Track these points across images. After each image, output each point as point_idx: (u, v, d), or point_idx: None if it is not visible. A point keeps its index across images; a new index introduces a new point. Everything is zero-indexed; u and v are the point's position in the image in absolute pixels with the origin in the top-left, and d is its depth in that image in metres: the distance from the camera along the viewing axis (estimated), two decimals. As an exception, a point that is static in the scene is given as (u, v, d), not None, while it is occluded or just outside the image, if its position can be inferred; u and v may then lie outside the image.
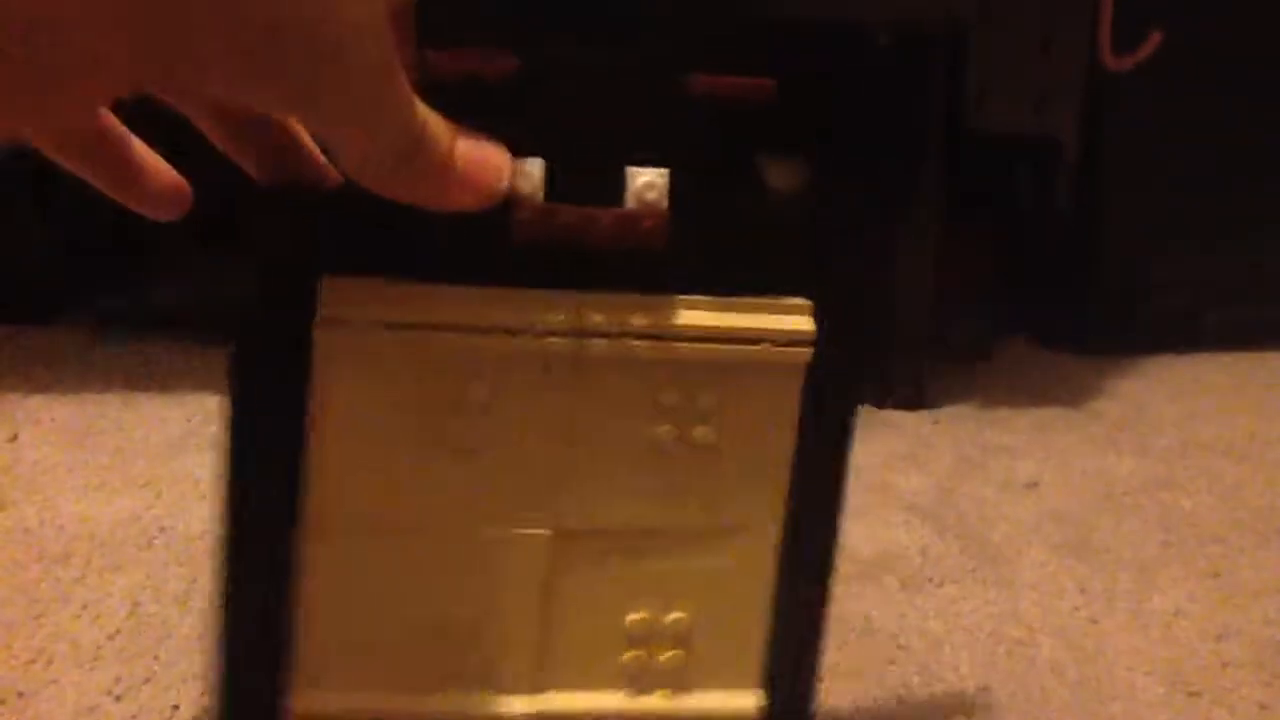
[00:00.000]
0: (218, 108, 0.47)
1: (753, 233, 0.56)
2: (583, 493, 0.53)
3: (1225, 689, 0.91)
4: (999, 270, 1.94)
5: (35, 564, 1.02)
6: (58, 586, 0.98)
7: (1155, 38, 1.60)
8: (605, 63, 0.50)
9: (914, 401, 1.53)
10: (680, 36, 0.55)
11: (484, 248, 0.48)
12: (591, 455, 0.52)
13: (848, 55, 1.92)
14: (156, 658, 0.89)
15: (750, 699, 0.58)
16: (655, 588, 0.55)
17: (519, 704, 0.54)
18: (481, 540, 0.52)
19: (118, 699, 0.83)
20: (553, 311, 0.50)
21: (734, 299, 0.53)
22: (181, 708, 0.83)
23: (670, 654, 0.56)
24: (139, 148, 0.49)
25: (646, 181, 0.49)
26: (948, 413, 1.52)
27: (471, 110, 0.44)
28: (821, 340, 0.54)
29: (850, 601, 1.03)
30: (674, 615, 0.56)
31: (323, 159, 0.49)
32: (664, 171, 0.50)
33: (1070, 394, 1.61)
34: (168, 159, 0.50)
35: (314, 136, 0.49)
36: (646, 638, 0.56)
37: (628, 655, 0.56)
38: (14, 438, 1.29)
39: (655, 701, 0.57)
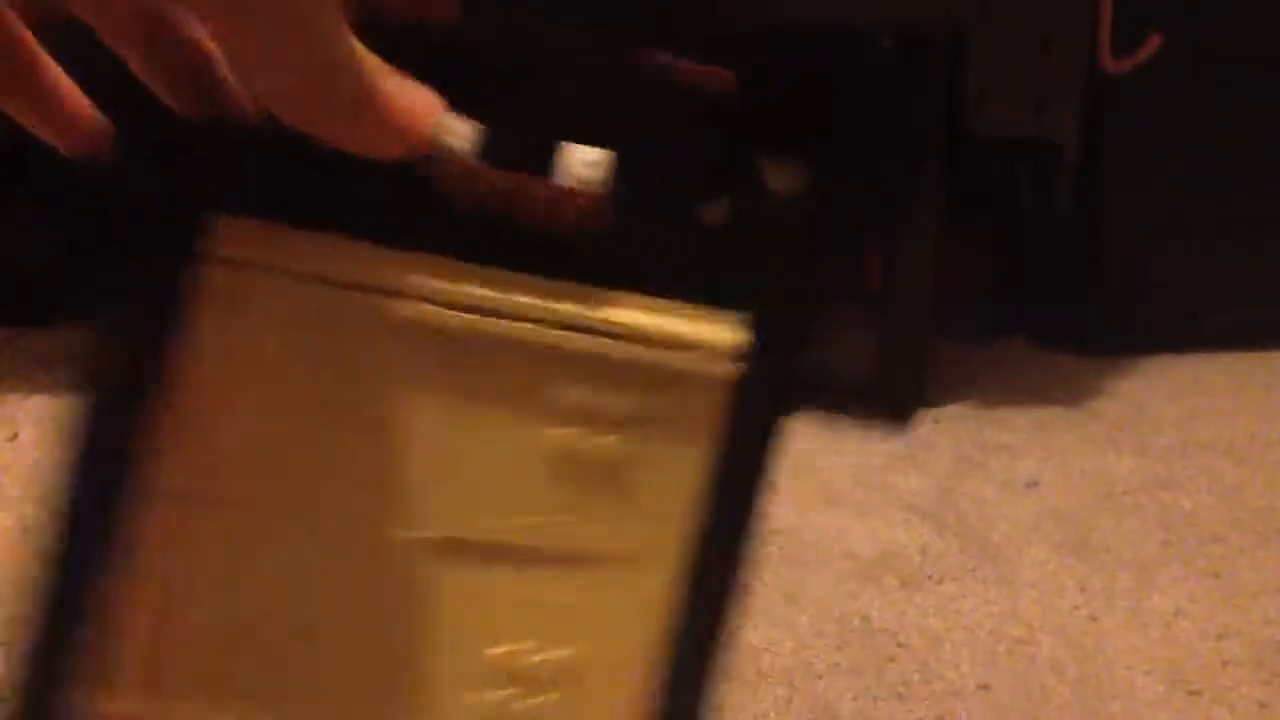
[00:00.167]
0: (134, 21, 0.45)
1: (695, 234, 0.50)
2: (471, 495, 0.47)
3: (1225, 688, 0.91)
4: (999, 270, 1.94)
5: (36, 563, 1.02)
6: None
7: (1154, 40, 1.60)
8: (555, 29, 0.48)
9: (913, 402, 1.53)
10: (652, 22, 0.51)
11: (401, 205, 0.45)
12: (487, 453, 0.47)
13: (848, 55, 1.93)
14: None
15: None
16: (538, 616, 0.49)
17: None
18: (347, 533, 0.47)
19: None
20: (465, 283, 0.46)
21: (665, 300, 0.48)
22: None
23: (543, 698, 0.50)
24: (53, 68, 0.47)
25: (586, 158, 0.46)
26: (947, 411, 1.52)
27: (410, 57, 0.42)
28: (754, 358, 0.49)
29: (850, 600, 1.03)
30: (556, 652, 0.50)
31: (240, 93, 0.46)
32: (606, 152, 0.46)
33: (1070, 393, 1.61)
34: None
35: (230, 57, 0.46)
36: (519, 675, 0.50)
37: (495, 695, 0.49)
38: (14, 437, 1.29)
39: None
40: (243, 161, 0.44)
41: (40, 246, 1.71)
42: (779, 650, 0.95)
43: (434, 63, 0.43)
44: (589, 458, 0.48)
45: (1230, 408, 1.57)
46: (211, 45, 0.44)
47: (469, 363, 0.47)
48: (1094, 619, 1.01)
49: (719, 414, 0.49)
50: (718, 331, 0.49)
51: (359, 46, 0.39)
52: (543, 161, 0.45)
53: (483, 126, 0.44)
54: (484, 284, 0.46)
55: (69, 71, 0.47)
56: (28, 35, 0.45)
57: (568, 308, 0.47)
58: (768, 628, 0.98)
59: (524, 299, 0.46)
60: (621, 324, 0.47)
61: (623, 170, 0.45)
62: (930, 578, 1.08)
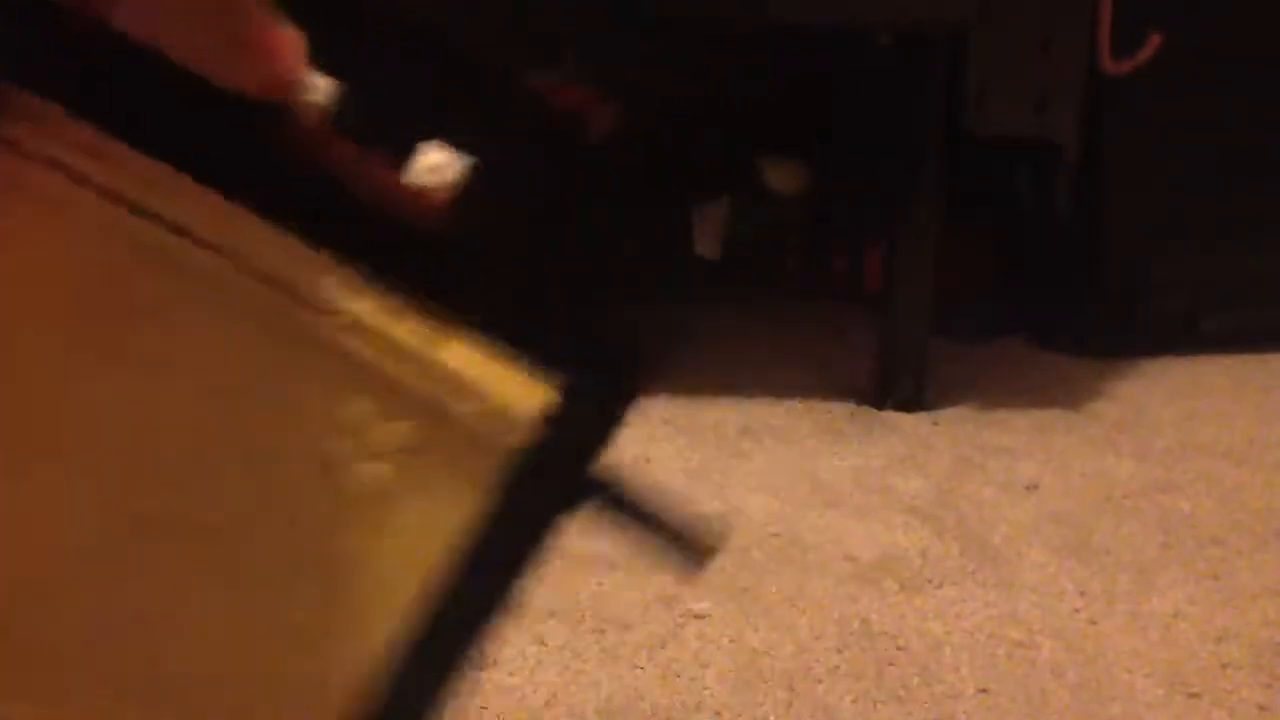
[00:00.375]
0: None
1: (531, 273, 0.46)
2: (221, 480, 0.42)
3: (1225, 690, 0.91)
4: (999, 270, 1.94)
5: None
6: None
7: (1154, 40, 1.60)
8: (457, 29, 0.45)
9: (913, 402, 1.53)
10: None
11: (234, 149, 0.41)
12: (248, 439, 0.43)
13: (848, 55, 1.93)
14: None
15: None
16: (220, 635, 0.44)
17: None
18: (70, 479, 0.41)
19: None
20: (270, 251, 0.41)
21: (481, 338, 0.44)
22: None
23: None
24: None
25: (436, 161, 0.42)
26: (947, 414, 1.52)
27: (299, 9, 0.39)
28: (549, 433, 0.44)
29: (849, 603, 1.03)
30: (246, 668, 0.45)
31: None
32: (464, 159, 0.42)
33: (1070, 396, 1.61)
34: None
35: None
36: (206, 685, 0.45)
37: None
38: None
39: None
40: (63, 51, 0.39)
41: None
42: (778, 653, 0.95)
43: (317, 13, 0.40)
44: (351, 476, 0.44)
45: (1229, 410, 1.57)
46: None
47: (253, 338, 0.42)
48: (1094, 622, 1.01)
49: (495, 475, 0.44)
50: (522, 392, 0.44)
51: None
52: (396, 148, 0.42)
53: (343, 88, 0.40)
54: (291, 260, 0.41)
55: None
56: None
57: (375, 316, 0.42)
58: (767, 630, 0.98)
59: (332, 290, 0.41)
60: (427, 350, 0.43)
61: (476, 183, 0.42)
62: (930, 581, 1.08)
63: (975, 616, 1.02)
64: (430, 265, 0.42)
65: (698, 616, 1.01)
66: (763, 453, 1.38)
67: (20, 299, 0.40)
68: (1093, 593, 1.06)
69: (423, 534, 0.44)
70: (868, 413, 1.50)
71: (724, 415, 1.48)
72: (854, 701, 0.89)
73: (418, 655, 0.44)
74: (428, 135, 0.42)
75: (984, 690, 0.91)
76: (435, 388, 0.43)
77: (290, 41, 0.40)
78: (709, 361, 1.70)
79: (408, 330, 0.42)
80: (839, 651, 0.95)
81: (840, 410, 1.51)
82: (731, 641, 0.97)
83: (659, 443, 1.39)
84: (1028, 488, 1.30)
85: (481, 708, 0.88)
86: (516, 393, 0.44)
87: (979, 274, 1.92)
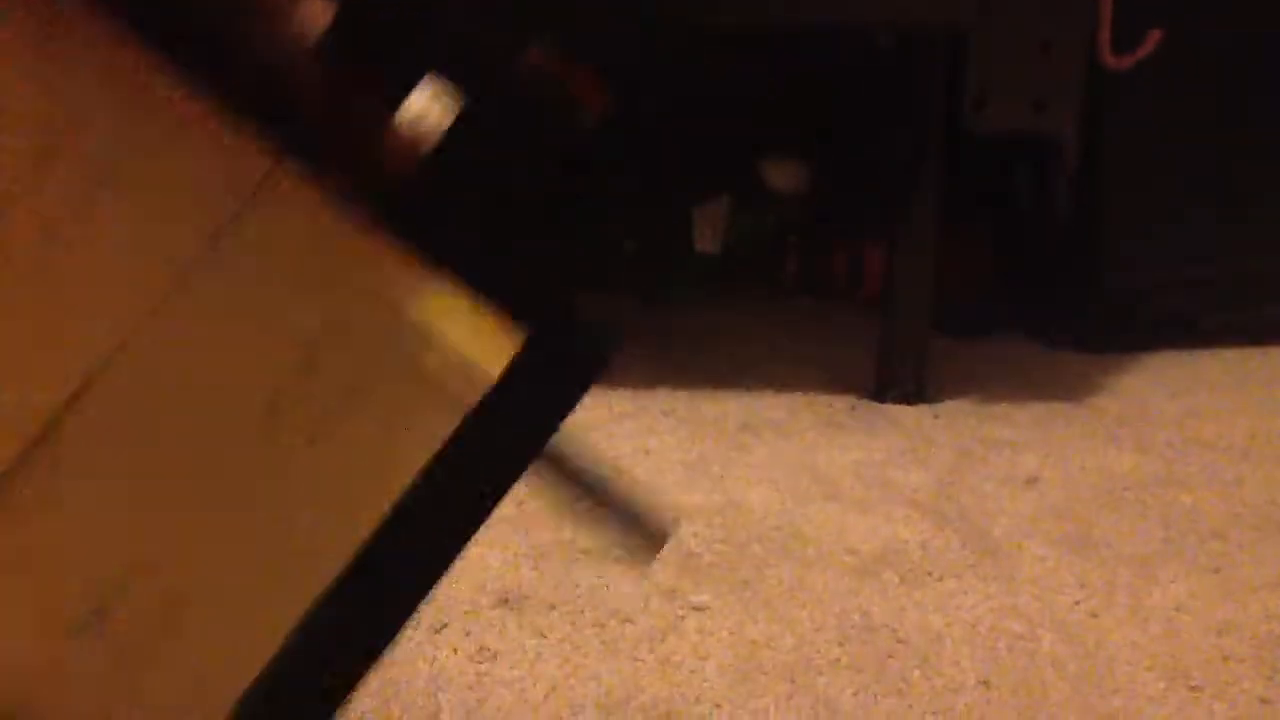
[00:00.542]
0: None
1: (505, 223, 0.45)
2: (148, 371, 0.40)
3: (1226, 683, 0.91)
4: (999, 270, 1.94)
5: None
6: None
7: (1155, 35, 1.60)
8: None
9: (914, 396, 1.53)
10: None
11: (228, 53, 0.40)
12: (205, 340, 0.41)
13: (848, 55, 1.93)
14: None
15: None
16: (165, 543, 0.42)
17: None
18: None
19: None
20: (251, 157, 0.40)
21: (451, 281, 0.43)
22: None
23: (149, 621, 0.42)
24: None
25: (423, 106, 0.41)
26: (948, 407, 1.52)
27: None
28: (511, 382, 0.43)
29: (850, 597, 1.03)
30: (168, 580, 0.42)
31: None
32: (455, 104, 0.41)
33: (1071, 390, 1.61)
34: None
35: None
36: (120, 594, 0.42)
37: (84, 607, 0.42)
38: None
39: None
40: None
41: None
42: (779, 646, 0.95)
43: None
44: (301, 400, 0.42)
45: (1231, 404, 1.57)
46: None
47: (226, 228, 0.40)
48: (1094, 615, 1.01)
49: (449, 424, 0.43)
50: (487, 341, 0.43)
51: None
52: (388, 83, 0.41)
53: (339, 8, 0.40)
54: (262, 155, 0.40)
55: None
56: None
57: (350, 241, 0.41)
58: (768, 623, 0.98)
59: (307, 205, 0.40)
60: (398, 286, 0.42)
61: (461, 133, 0.41)
62: (930, 574, 1.08)
63: (976, 609, 1.01)
64: (408, 209, 0.41)
65: (698, 609, 1.00)
66: (763, 446, 1.38)
67: None
68: (1093, 586, 1.06)
69: (369, 481, 0.43)
70: (868, 406, 1.50)
71: (724, 408, 1.48)
72: (854, 694, 0.89)
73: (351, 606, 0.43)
74: (421, 73, 0.41)
75: (984, 683, 0.90)
76: (403, 336, 0.42)
77: None
78: (709, 357, 1.70)
79: (380, 275, 0.42)
80: (839, 644, 0.95)
81: (841, 404, 1.51)
82: (731, 634, 0.97)
83: (659, 435, 1.38)
84: (1028, 481, 1.30)
85: (481, 700, 0.87)
86: (483, 345, 0.43)
87: (979, 274, 1.92)
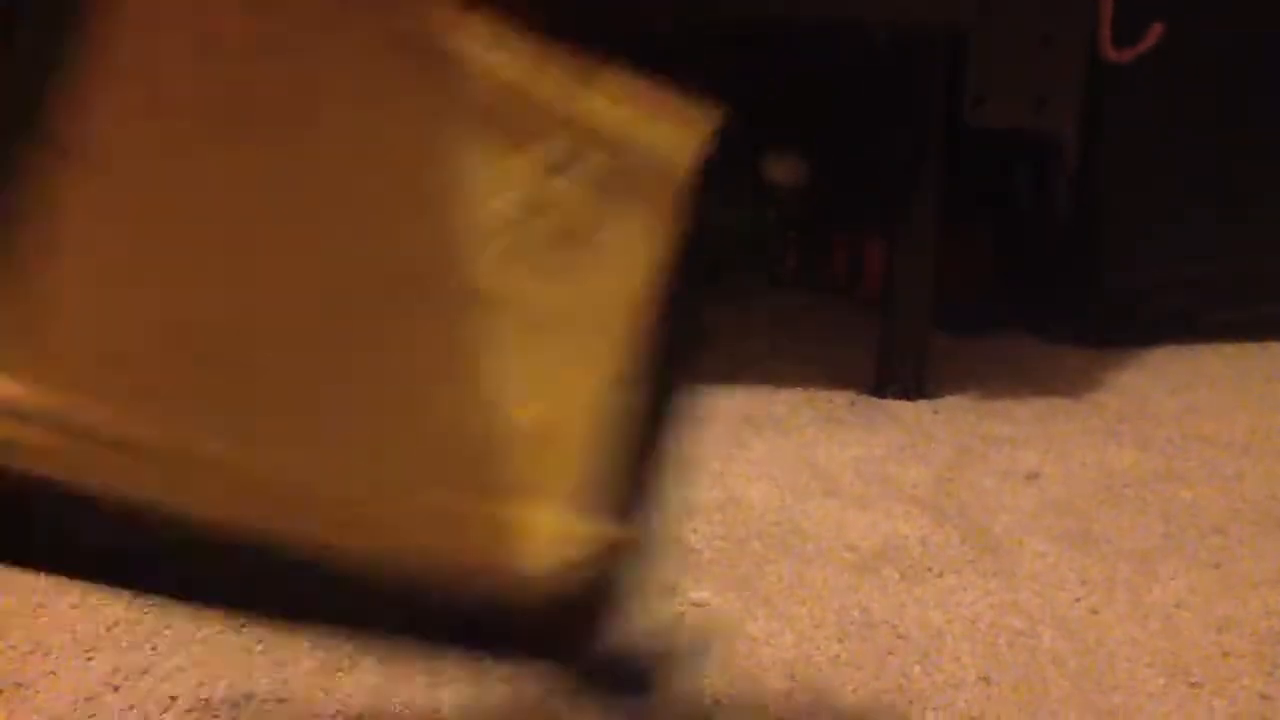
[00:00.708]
0: None
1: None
2: (436, 232, 0.42)
3: (1226, 679, 0.91)
4: (999, 269, 1.94)
5: (33, 555, 1.02)
6: (56, 577, 0.98)
7: (1157, 29, 1.60)
8: None
9: (914, 392, 1.53)
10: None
11: None
12: (455, 183, 0.43)
13: (848, 55, 1.93)
14: (155, 649, 0.89)
15: (569, 520, 0.48)
16: (491, 372, 0.45)
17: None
18: (290, 242, 0.41)
19: (115, 689, 0.83)
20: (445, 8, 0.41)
21: (632, 76, 0.46)
22: (180, 698, 0.83)
23: (494, 452, 0.45)
24: None
25: None
26: (948, 403, 1.52)
27: None
28: (720, 144, 0.48)
29: (850, 593, 1.03)
30: (504, 410, 0.45)
31: None
32: None
33: (1071, 386, 1.61)
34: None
35: None
36: (472, 428, 0.45)
37: (443, 440, 0.45)
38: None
39: (465, 508, 0.45)
40: None
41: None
42: (779, 643, 0.95)
43: None
44: (555, 206, 0.44)
45: (1231, 400, 1.57)
46: None
47: (447, 84, 0.42)
48: (1095, 611, 1.01)
49: (681, 196, 0.48)
50: (690, 115, 0.47)
51: None
52: None
53: None
54: (444, 24, 0.41)
55: None
56: None
57: (532, 66, 0.43)
58: (767, 620, 0.98)
59: (490, 47, 0.42)
60: (603, 88, 0.45)
61: None
62: (930, 570, 1.07)
63: (976, 605, 1.01)
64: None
65: (697, 605, 1.00)
66: (763, 442, 1.37)
67: (192, 45, 0.39)
68: (1094, 582, 1.06)
69: (625, 266, 0.47)
70: (868, 402, 1.50)
71: (724, 404, 1.48)
72: (854, 691, 0.89)
73: (642, 386, 0.48)
74: None
75: (985, 679, 0.90)
76: (616, 121, 0.46)
77: None
78: (708, 352, 1.70)
79: (569, 76, 0.45)
80: (839, 640, 0.95)
81: (841, 400, 1.50)
82: (731, 631, 0.97)
83: (658, 433, 1.38)
84: (1029, 477, 1.30)
85: (478, 696, 0.87)
86: (675, 129, 0.48)
87: (979, 272, 1.92)
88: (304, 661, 0.87)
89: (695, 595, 1.02)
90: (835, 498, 1.23)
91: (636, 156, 0.46)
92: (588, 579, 0.48)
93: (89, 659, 0.87)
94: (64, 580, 0.98)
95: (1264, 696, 0.89)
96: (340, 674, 0.86)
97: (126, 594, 0.96)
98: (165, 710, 0.81)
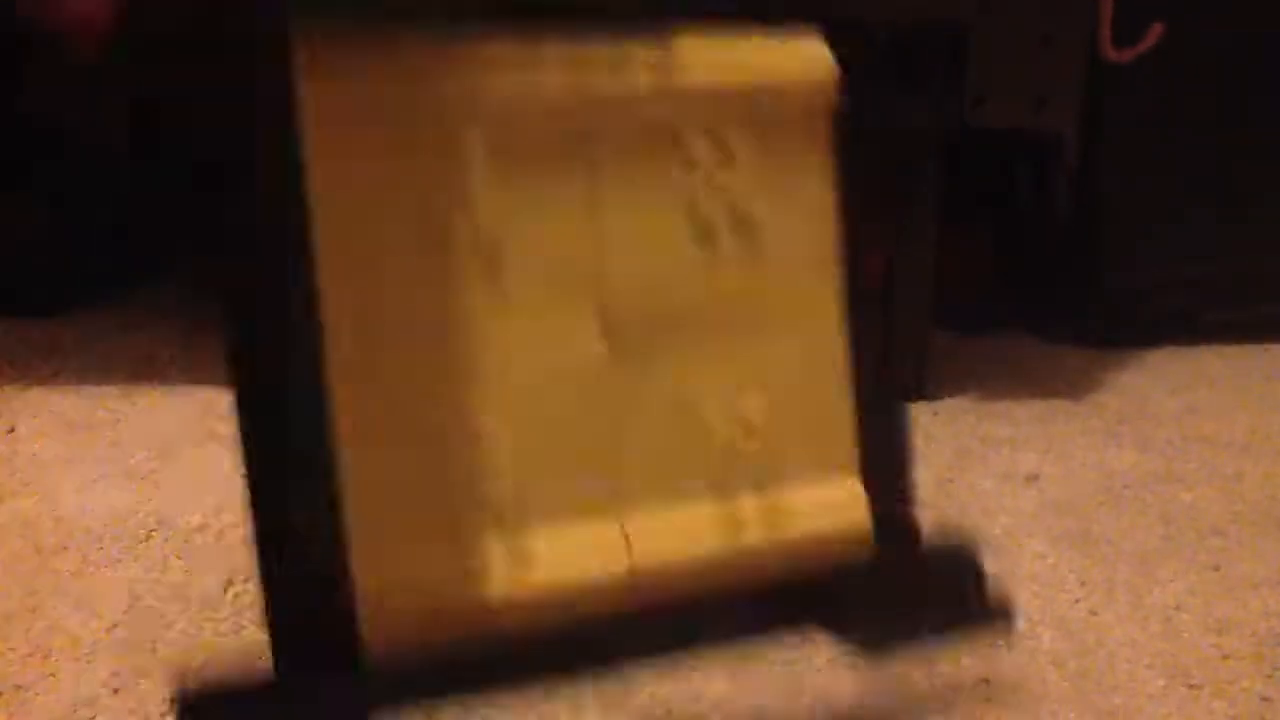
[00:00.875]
0: None
1: None
2: (621, 269, 0.45)
3: (1226, 681, 0.91)
4: (999, 269, 1.94)
5: (33, 556, 1.02)
6: (56, 579, 0.98)
7: (1157, 28, 1.59)
8: None
9: (913, 392, 1.53)
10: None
11: None
12: (622, 221, 0.45)
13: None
14: (154, 651, 0.89)
15: (845, 488, 0.52)
16: (722, 375, 0.48)
17: (601, 526, 0.46)
18: (512, 338, 0.45)
19: (115, 692, 0.83)
20: (548, 47, 0.43)
21: (741, 27, 0.48)
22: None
23: (754, 446, 0.49)
24: None
25: None
26: (947, 404, 1.52)
27: None
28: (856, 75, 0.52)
29: (850, 594, 1.03)
30: (749, 403, 0.49)
31: None
32: None
33: (1071, 387, 1.60)
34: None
35: None
36: (725, 429, 0.49)
37: (708, 448, 0.48)
38: (12, 429, 1.29)
39: (748, 505, 0.49)
40: None
41: (41, 239, 1.70)
42: (778, 643, 0.95)
43: None
44: (719, 204, 0.48)
45: (1231, 401, 1.57)
46: None
47: (576, 132, 0.44)
48: (1094, 612, 1.01)
49: (829, 121, 0.54)
50: (805, 46, 0.52)
51: None
52: None
53: None
54: (561, 45, 0.43)
55: None
56: None
57: (656, 52, 0.45)
58: (767, 621, 0.98)
59: (610, 53, 0.44)
60: (712, 61, 0.47)
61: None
62: (930, 571, 1.07)
63: (976, 607, 1.01)
64: None
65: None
66: (762, 444, 1.37)
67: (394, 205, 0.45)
68: (1093, 583, 1.06)
69: (803, 227, 0.54)
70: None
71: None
72: (854, 692, 0.89)
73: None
74: None
75: (984, 680, 0.90)
76: (744, 81, 0.49)
77: None
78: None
79: (691, 54, 0.47)
80: (838, 641, 0.95)
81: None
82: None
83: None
84: (1028, 478, 1.30)
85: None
86: (801, 49, 0.53)
87: (979, 273, 1.92)
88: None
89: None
90: (835, 499, 1.23)
91: (776, 103, 0.50)
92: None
93: (88, 662, 0.87)
94: (63, 581, 0.98)
95: (1264, 698, 0.89)
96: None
97: (126, 596, 0.96)
98: (165, 714, 0.81)
